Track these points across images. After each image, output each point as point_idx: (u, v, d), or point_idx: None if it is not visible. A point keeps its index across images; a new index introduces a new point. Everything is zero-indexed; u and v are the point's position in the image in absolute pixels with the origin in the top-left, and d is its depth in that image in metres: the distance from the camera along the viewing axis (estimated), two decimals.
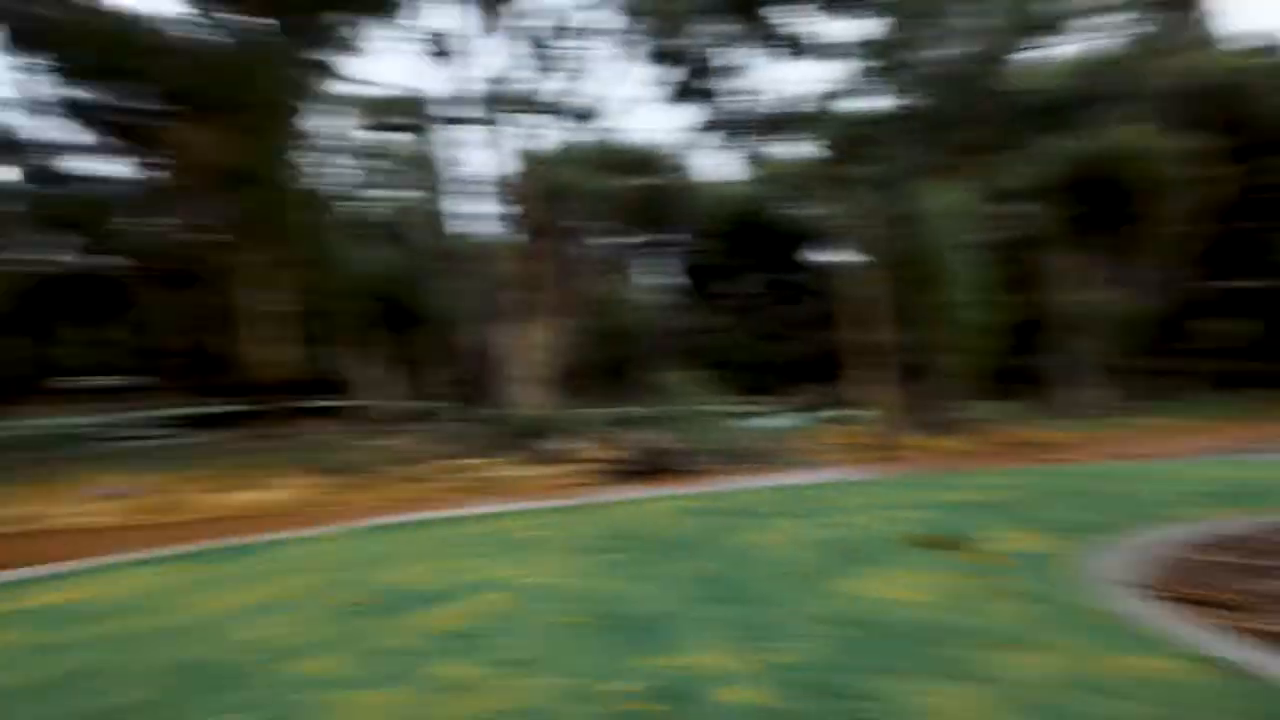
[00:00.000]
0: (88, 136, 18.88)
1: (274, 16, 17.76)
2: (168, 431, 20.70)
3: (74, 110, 18.24)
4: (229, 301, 19.96)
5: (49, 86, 17.86)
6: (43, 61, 17.49)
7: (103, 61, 17.74)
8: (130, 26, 17.18)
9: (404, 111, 22.32)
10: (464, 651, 4.36)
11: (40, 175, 21.93)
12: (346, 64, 20.49)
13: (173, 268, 21.29)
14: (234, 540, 7.78)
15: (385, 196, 26.35)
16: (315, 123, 21.44)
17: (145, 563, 6.92)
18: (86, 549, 7.69)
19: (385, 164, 25.66)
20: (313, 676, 4.07)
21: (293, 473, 12.56)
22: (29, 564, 7.08)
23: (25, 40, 17.72)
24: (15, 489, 11.06)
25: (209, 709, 3.78)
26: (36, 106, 18.53)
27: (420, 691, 3.88)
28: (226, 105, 17.06)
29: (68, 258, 22.78)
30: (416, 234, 24.34)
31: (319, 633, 4.76)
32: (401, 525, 8.43)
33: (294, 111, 19.09)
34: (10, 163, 20.99)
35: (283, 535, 8.01)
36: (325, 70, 19.78)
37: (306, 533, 8.11)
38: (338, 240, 21.87)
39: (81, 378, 26.67)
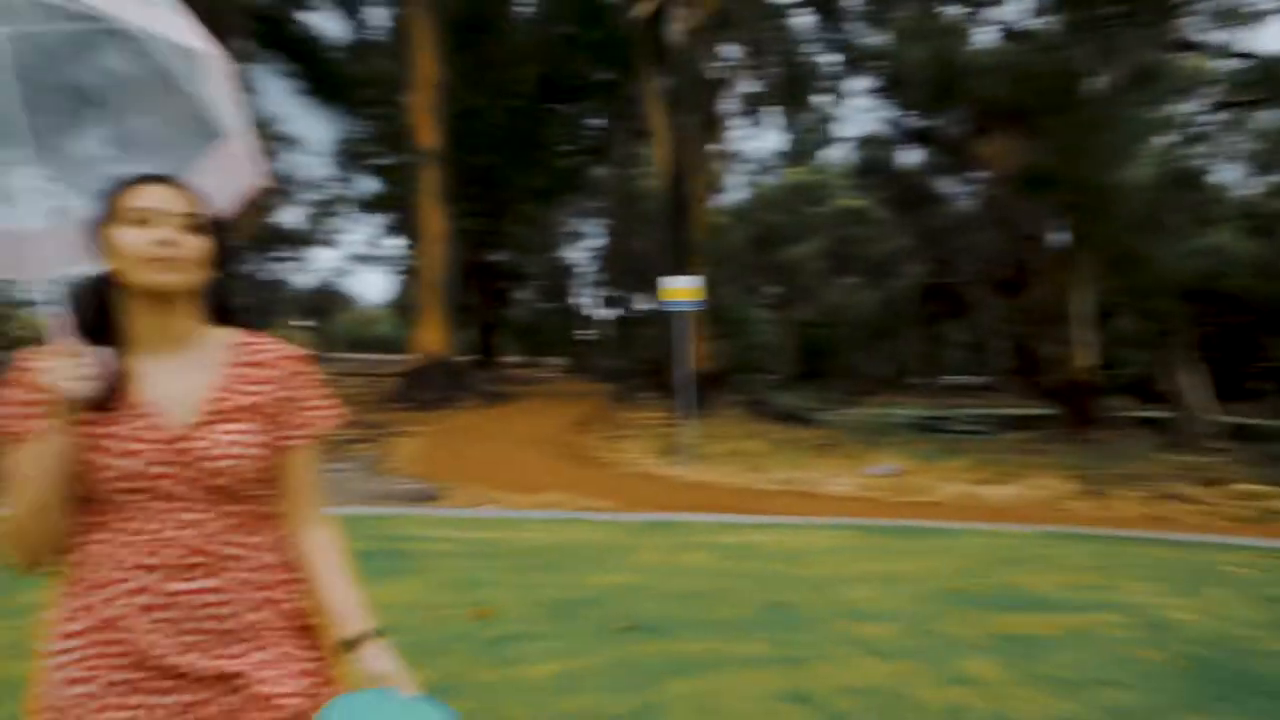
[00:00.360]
0: (924, 158, 21.33)
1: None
2: (984, 427, 21.96)
3: (913, 137, 20.87)
4: (1051, 304, 20.16)
5: (892, 117, 20.83)
6: (887, 95, 20.53)
7: (939, 88, 19.92)
8: (956, 51, 18.91)
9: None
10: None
11: (904, 199, 25.63)
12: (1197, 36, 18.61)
13: (1002, 273, 22.45)
14: (911, 522, 8.32)
15: (1245, 181, 22.83)
16: (1159, 106, 19.96)
17: (838, 527, 8.00)
18: (816, 510, 9.19)
19: (1246, 143, 22.24)
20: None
21: (1058, 475, 12.31)
22: (767, 514, 8.87)
23: (884, 80, 21.06)
24: (818, 459, 13.55)
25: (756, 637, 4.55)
26: (888, 137, 21.82)
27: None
28: (1035, 110, 17.36)
29: (918, 268, 25.97)
30: None
31: (913, 609, 5.08)
32: (1096, 538, 7.75)
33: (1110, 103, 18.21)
34: (879, 188, 25.00)
35: (955, 525, 8.22)
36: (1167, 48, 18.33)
37: (983, 526, 8.15)
38: (1167, 232, 19.94)
39: (938, 376, 30.01)
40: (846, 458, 13.59)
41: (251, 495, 1.38)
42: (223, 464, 1.33)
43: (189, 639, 1.32)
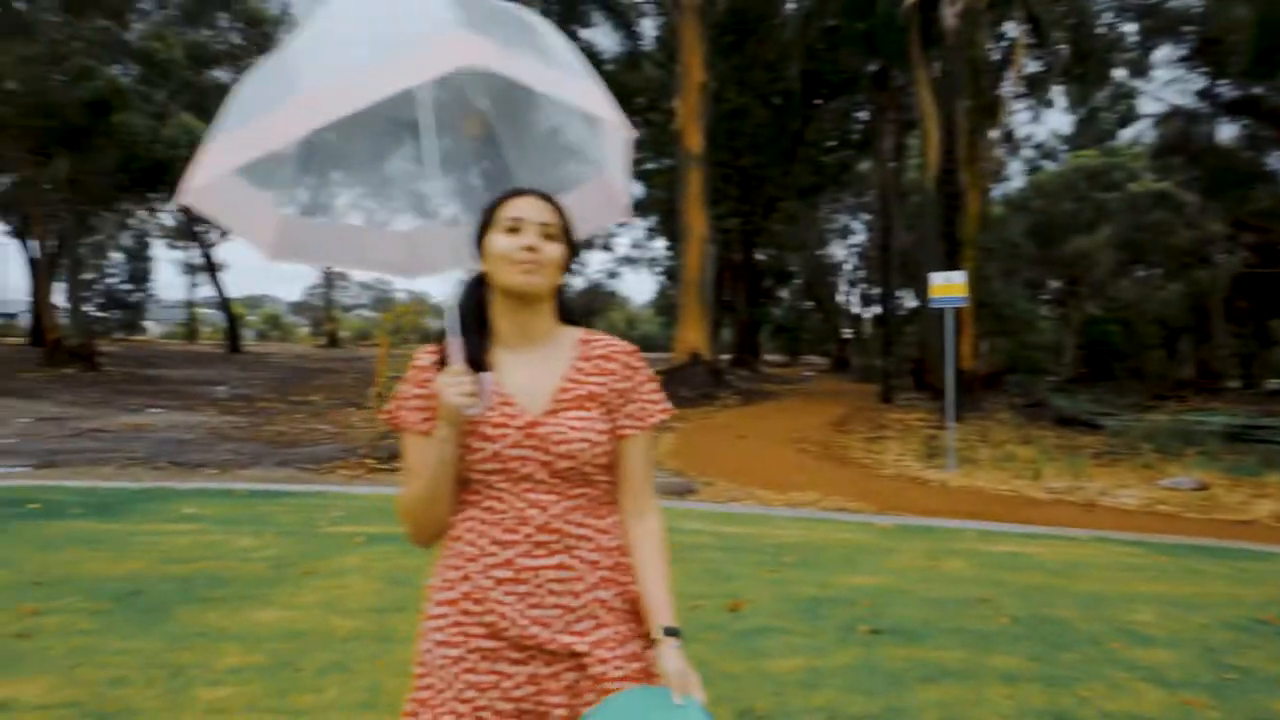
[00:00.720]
0: (1242, 132, 18.75)
1: None
2: None
3: (1229, 108, 18.41)
4: None
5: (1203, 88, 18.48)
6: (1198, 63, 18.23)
7: (1264, 51, 17.43)
8: None
9: None
10: None
11: (1216, 179, 22.65)
12: None
13: None
14: (1212, 541, 7.39)
15: None
16: None
17: (1122, 542, 7.32)
18: (1096, 523, 8.44)
19: None
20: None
21: None
22: (1039, 524, 8.29)
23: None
24: (1102, 468, 12.36)
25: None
26: (1198, 110, 19.39)
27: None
28: None
29: (1230, 257, 22.83)
30: None
31: (1207, 638, 4.63)
32: None
33: None
34: (1184, 168, 22.28)
35: (1271, 548, 7.18)
36: None
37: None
38: None
39: (1254, 379, 26.25)
40: (1137, 467, 12.31)
41: (595, 480, 1.51)
42: (571, 448, 1.46)
43: (540, 613, 1.44)
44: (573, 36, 26.31)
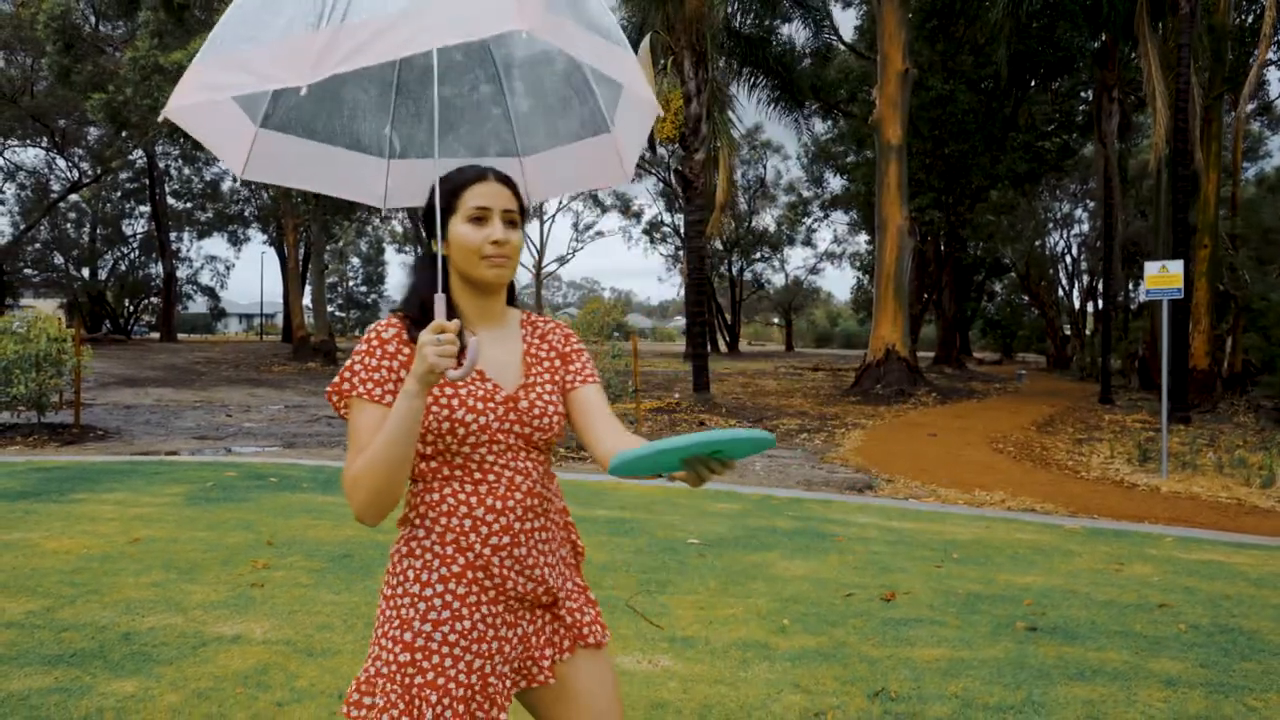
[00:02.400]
0: None
1: None
2: None
3: None
4: None
5: None
6: None
7: None
8: None
9: None
10: None
11: None
12: None
13: None
14: None
15: None
16: None
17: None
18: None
19: None
20: None
21: None
22: (1258, 534, 7.51)
23: None
24: None
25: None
26: None
27: None
28: None
29: None
30: None
31: None
32: None
33: None
34: None
35: None
36: None
37: None
38: None
39: None
40: None
41: (552, 449, 1.64)
42: (547, 421, 1.58)
43: (532, 573, 1.56)
44: (770, 31, 26.31)
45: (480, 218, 1.54)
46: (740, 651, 3.95)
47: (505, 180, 1.59)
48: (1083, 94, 29.71)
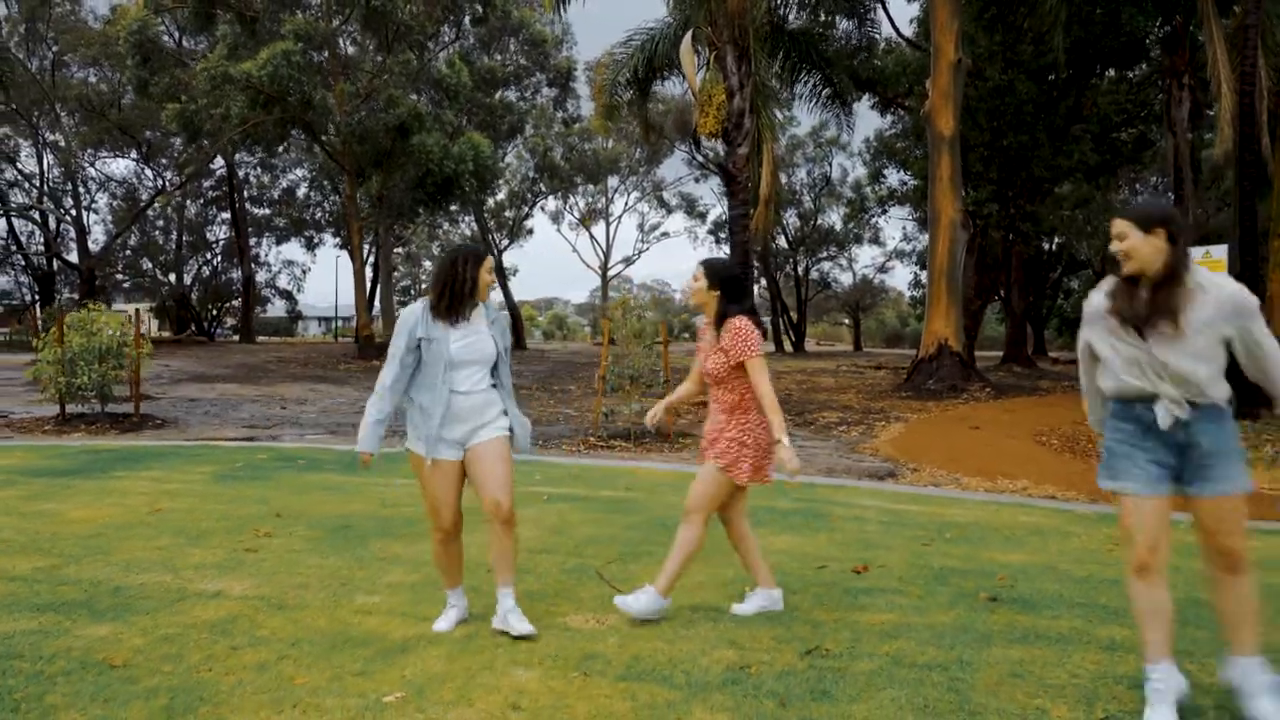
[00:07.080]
0: None
1: None
2: None
3: None
4: None
5: None
6: None
7: None
8: None
9: None
10: None
11: None
12: None
13: None
14: None
15: None
16: None
17: None
18: None
19: None
20: None
21: None
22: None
23: None
24: None
25: None
26: None
27: None
28: None
29: None
30: None
31: None
32: None
33: None
34: None
35: None
36: None
37: None
38: None
39: None
40: None
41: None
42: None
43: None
44: (828, 26, 26.08)
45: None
46: (690, 614, 4.03)
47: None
48: (1159, 83, 28.63)
